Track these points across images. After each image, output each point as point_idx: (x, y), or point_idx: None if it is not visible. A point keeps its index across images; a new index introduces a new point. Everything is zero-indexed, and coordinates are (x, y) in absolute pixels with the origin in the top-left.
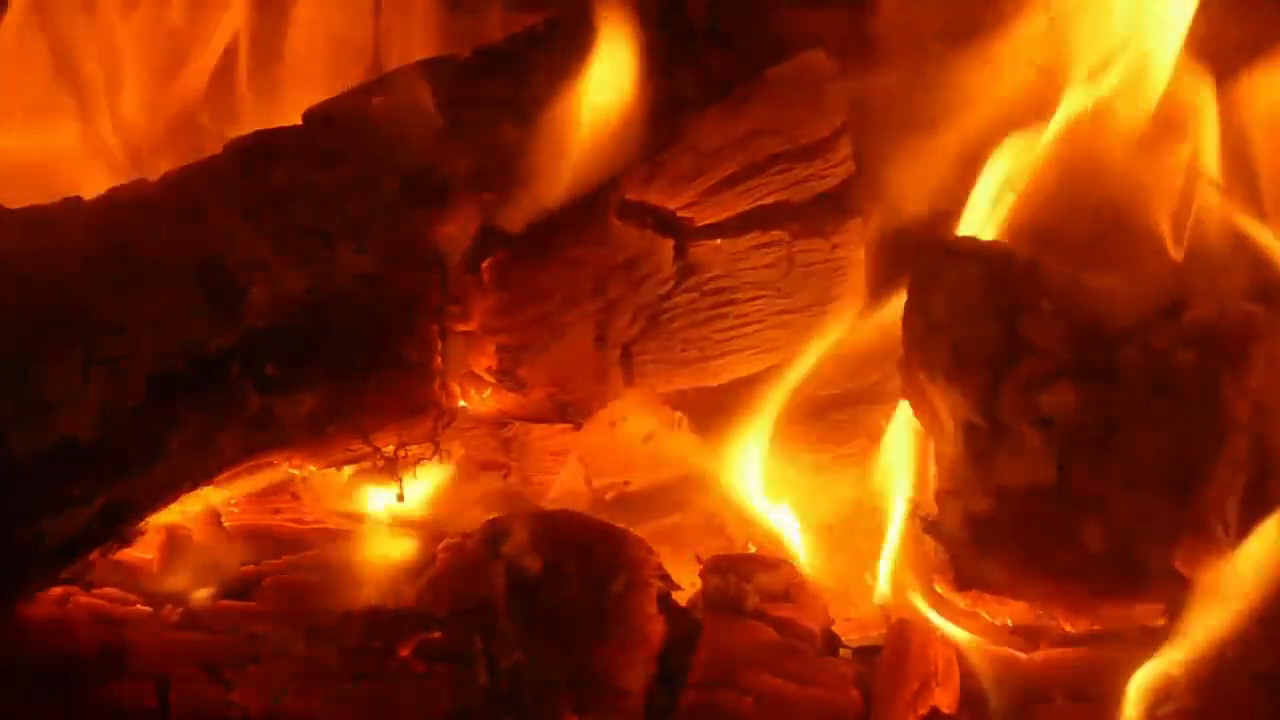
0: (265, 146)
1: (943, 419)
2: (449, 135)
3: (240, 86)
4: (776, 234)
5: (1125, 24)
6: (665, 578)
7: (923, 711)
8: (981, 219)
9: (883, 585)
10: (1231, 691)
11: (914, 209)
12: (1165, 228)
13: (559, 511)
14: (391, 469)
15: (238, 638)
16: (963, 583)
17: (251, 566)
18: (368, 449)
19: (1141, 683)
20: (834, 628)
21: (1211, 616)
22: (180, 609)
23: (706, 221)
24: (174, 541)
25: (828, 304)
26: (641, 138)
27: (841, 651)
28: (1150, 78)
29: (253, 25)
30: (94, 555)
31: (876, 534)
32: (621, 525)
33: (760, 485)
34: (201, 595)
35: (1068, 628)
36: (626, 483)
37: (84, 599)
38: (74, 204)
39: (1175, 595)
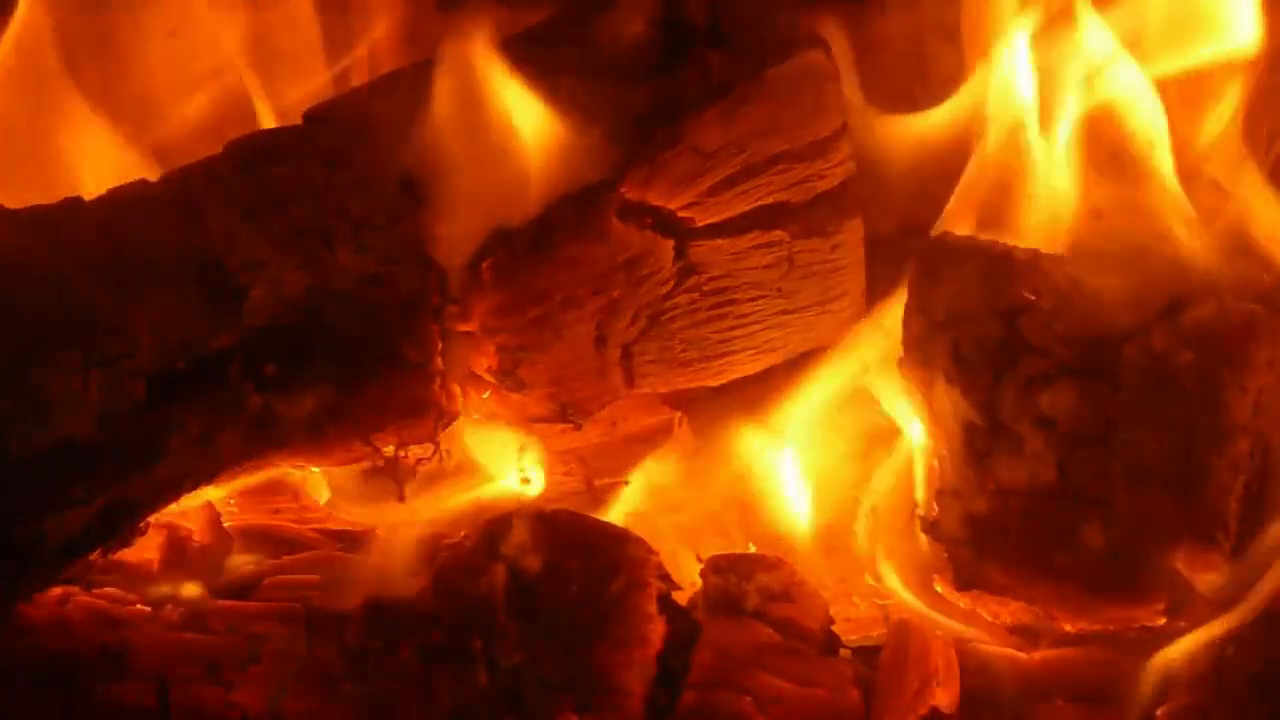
0: (265, 146)
1: (942, 419)
2: (449, 135)
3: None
4: (776, 234)
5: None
6: (665, 578)
7: (923, 711)
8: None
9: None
10: (1231, 690)
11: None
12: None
13: (559, 511)
14: (392, 469)
15: (238, 638)
16: (963, 583)
17: (251, 566)
18: (368, 449)
19: (1141, 682)
20: (834, 628)
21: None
22: (180, 609)
23: (706, 221)
24: (174, 541)
25: (828, 304)
26: (632, 143)
27: (841, 651)
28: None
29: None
30: (94, 555)
31: (877, 534)
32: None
33: (760, 485)
34: (201, 595)
35: (1068, 628)
36: (626, 483)
37: (84, 599)
38: (74, 204)
39: (1175, 595)
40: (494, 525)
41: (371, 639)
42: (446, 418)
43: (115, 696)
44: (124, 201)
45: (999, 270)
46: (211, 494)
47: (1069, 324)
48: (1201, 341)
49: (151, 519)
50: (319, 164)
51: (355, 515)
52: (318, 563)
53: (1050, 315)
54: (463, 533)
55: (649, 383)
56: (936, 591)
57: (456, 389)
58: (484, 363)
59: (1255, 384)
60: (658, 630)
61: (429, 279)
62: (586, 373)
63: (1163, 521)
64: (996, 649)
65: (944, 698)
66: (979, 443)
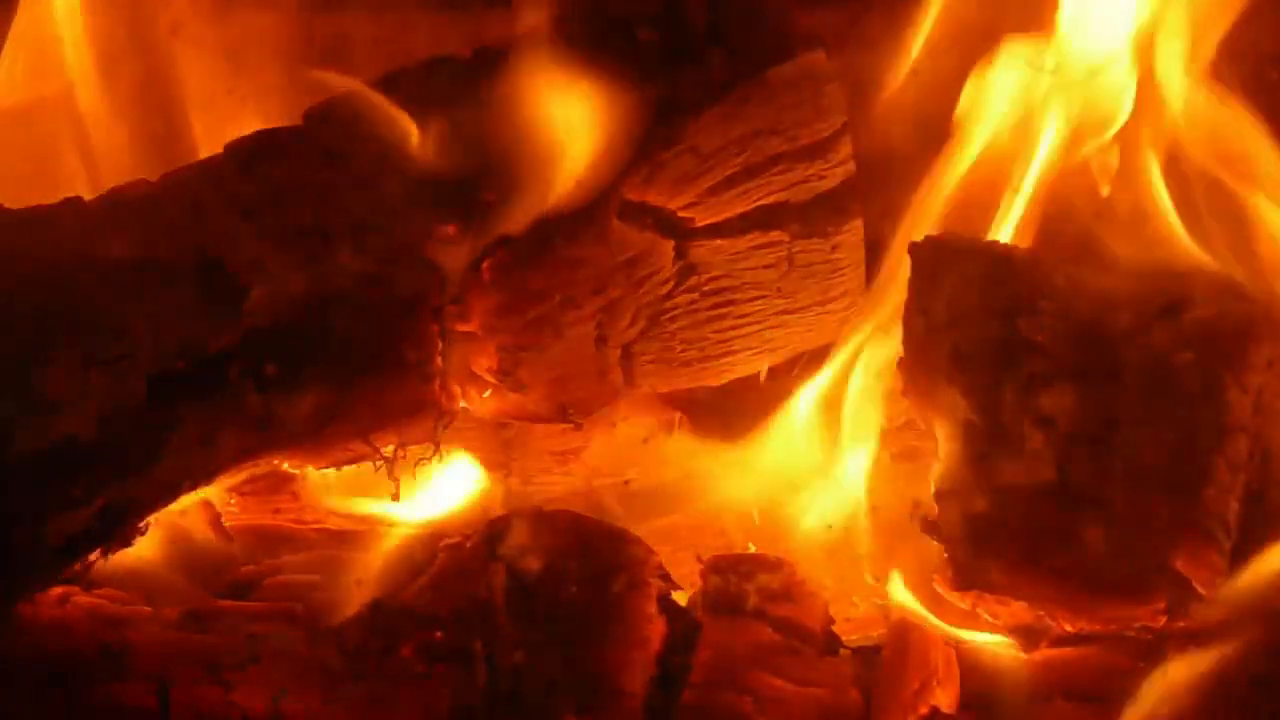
0: (265, 146)
1: (942, 419)
2: (449, 135)
3: None
4: (776, 234)
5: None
6: (665, 578)
7: (923, 711)
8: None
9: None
10: (1231, 692)
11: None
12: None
13: (559, 511)
14: (391, 469)
15: (238, 638)
16: (962, 583)
17: (251, 566)
18: (368, 449)
19: (1141, 683)
20: (834, 628)
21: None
22: (180, 609)
23: (706, 222)
24: (174, 541)
25: (828, 304)
26: (632, 143)
27: (841, 651)
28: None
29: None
30: (94, 555)
31: (876, 534)
32: (621, 525)
33: (761, 485)
34: (201, 595)
35: (1068, 628)
36: (626, 483)
37: (84, 599)
38: (74, 204)
39: (1175, 596)
40: (494, 525)
41: (371, 639)
42: (446, 418)
43: (115, 696)
44: (124, 201)
45: (999, 270)
46: (211, 494)
47: (1069, 324)
48: (1201, 341)
49: (151, 519)
50: (319, 164)
51: (355, 515)
52: (318, 563)
53: (1050, 315)
54: (463, 533)
55: (649, 383)
56: (936, 591)
57: (456, 389)
58: (484, 363)
59: (1255, 384)
60: (658, 630)
61: (429, 279)
62: (586, 373)
63: (1163, 521)
64: (996, 649)
65: (944, 698)
66: (979, 443)
